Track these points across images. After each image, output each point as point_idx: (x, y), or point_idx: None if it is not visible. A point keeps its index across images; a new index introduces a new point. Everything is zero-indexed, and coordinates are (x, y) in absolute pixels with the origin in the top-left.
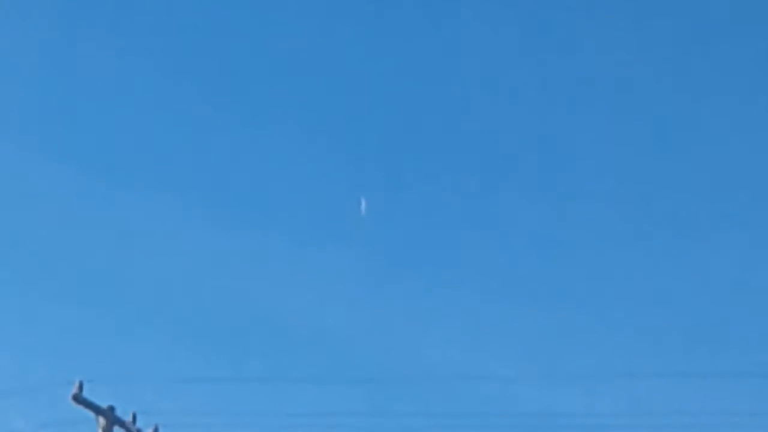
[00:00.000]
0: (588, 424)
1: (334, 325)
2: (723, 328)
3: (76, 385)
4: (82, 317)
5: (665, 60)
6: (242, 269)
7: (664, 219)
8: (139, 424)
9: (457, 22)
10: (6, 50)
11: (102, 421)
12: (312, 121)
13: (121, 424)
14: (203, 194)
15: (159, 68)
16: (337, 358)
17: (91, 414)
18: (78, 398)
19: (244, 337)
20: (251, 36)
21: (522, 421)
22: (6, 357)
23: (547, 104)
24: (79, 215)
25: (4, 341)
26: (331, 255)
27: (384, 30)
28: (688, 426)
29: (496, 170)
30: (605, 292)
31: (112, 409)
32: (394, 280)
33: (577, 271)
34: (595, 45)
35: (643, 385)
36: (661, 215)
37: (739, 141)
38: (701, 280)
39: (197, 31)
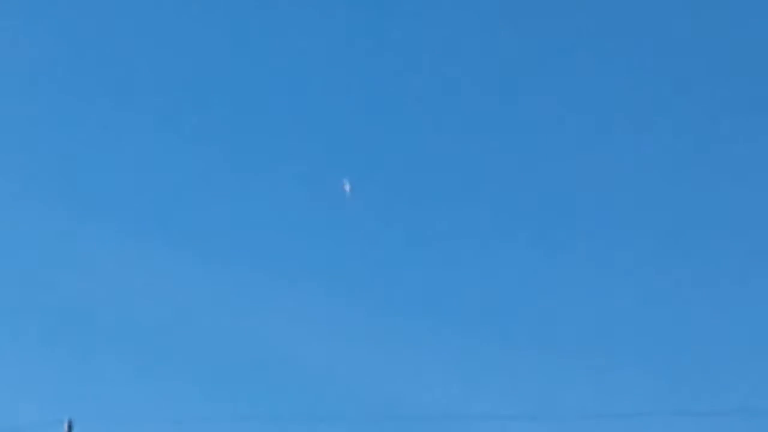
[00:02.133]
0: None
1: (324, 364)
2: (715, 368)
3: (66, 425)
4: (73, 358)
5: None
6: (231, 308)
7: (652, 257)
8: None
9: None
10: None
11: None
12: (301, 159)
13: None
14: (188, 234)
15: (145, 113)
16: (325, 397)
17: None
18: None
19: (236, 376)
20: (247, 84)
21: None
22: None
23: (546, 152)
24: (71, 257)
25: None
26: (319, 294)
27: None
28: None
29: (489, 209)
30: (598, 332)
31: None
32: (383, 319)
33: (569, 312)
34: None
35: (634, 423)
36: (649, 253)
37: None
38: (693, 321)
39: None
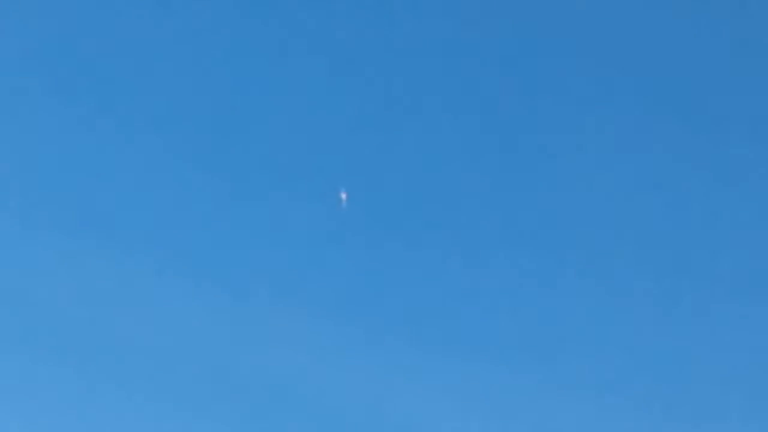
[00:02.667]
0: None
1: (324, 388)
2: (708, 399)
3: None
4: (81, 382)
5: None
6: (233, 335)
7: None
8: None
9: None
10: None
11: None
12: (312, 187)
13: None
14: (192, 259)
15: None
16: (326, 423)
17: None
18: None
19: (240, 402)
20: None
21: None
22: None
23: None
24: (80, 282)
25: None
26: (320, 318)
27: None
28: None
29: (483, 235)
30: (588, 353)
31: None
32: (381, 339)
33: (561, 330)
34: None
35: None
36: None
37: None
38: (685, 349)
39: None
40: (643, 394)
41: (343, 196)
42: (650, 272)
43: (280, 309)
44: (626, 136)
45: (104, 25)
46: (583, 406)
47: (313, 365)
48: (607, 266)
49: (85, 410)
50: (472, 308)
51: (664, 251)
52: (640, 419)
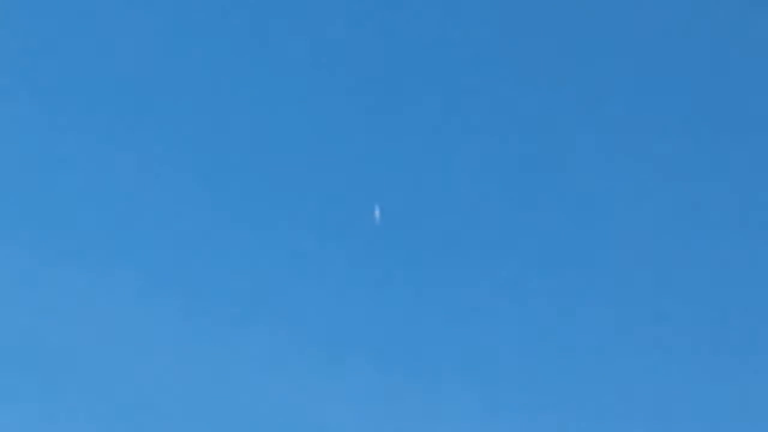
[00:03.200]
0: None
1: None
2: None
3: None
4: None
5: None
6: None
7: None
8: None
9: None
10: None
11: None
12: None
13: None
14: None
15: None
16: None
17: None
18: None
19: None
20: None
21: None
22: None
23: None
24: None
25: None
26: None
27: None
28: None
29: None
30: (598, 397)
31: None
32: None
33: (571, 375)
34: None
35: None
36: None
37: None
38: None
39: None
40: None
41: (377, 213)
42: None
43: (249, 331)
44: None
45: (95, 26)
46: None
47: (280, 389)
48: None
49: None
50: (444, 334)
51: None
52: None
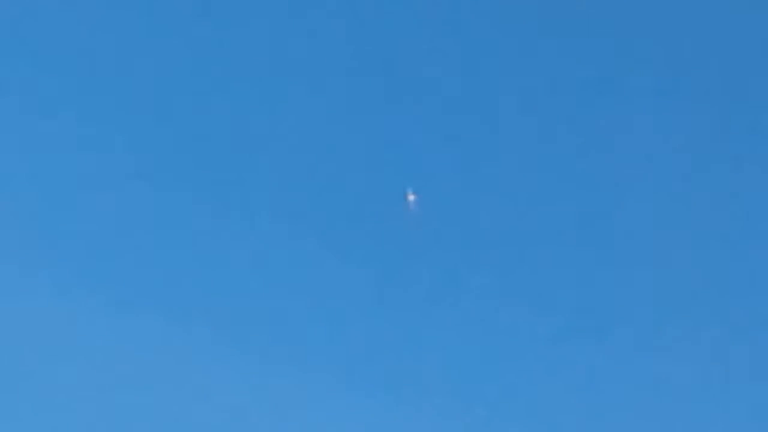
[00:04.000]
0: None
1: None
2: None
3: None
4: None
5: None
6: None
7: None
8: None
9: None
10: None
11: None
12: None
13: None
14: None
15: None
16: None
17: None
18: None
19: None
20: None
21: None
22: None
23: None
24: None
25: None
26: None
27: None
28: None
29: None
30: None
31: None
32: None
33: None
34: None
35: None
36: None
37: None
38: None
39: None
40: None
41: (411, 197)
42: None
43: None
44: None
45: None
46: None
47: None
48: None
49: None
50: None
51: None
52: None
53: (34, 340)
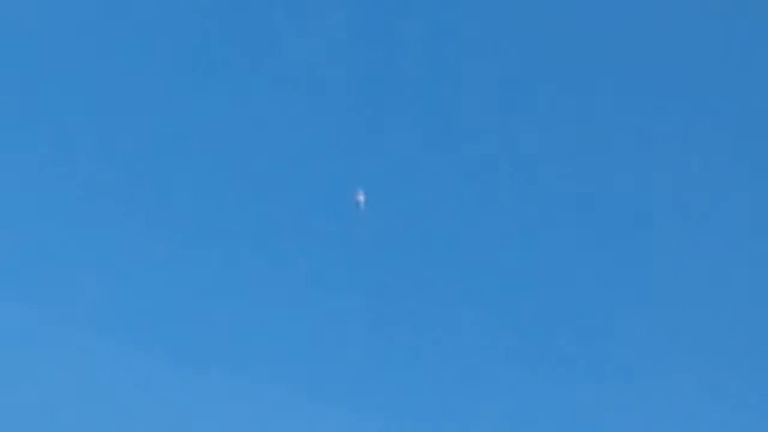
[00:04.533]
0: None
1: None
2: None
3: None
4: None
5: None
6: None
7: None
8: None
9: None
10: None
11: None
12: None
13: None
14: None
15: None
16: None
17: None
18: None
19: None
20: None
21: None
22: None
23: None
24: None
25: None
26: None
27: None
28: None
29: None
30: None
31: None
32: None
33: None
34: None
35: None
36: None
37: None
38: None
39: None
40: None
41: (360, 197)
42: None
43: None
44: None
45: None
46: None
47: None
48: None
49: None
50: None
51: None
52: None
53: None
